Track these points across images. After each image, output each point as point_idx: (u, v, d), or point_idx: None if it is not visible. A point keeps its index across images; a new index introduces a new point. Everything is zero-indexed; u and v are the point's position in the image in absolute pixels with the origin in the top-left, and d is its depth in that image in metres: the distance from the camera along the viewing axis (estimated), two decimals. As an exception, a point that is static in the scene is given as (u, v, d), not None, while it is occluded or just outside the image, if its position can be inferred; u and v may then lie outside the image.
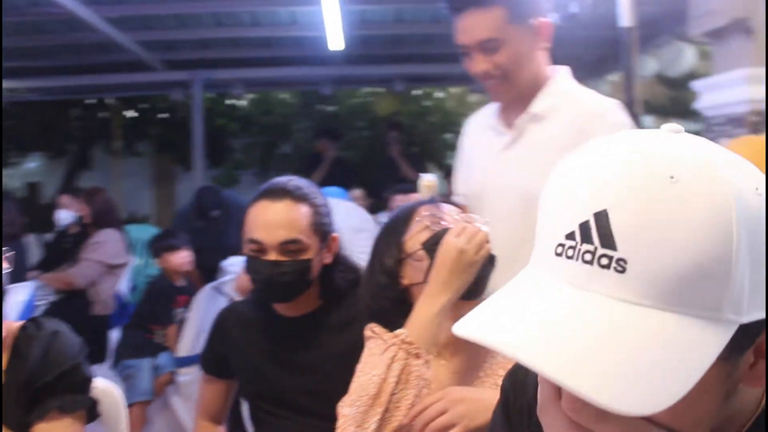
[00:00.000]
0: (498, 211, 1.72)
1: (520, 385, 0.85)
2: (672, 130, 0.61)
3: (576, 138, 1.65)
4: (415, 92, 8.68)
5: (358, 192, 5.47)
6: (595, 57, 6.23)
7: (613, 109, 1.73)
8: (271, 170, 8.64)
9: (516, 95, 1.76)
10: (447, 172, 5.31)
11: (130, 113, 8.79)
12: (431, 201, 1.46)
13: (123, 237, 4.32)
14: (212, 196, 4.99)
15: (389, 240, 1.44)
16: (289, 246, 1.60)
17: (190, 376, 3.65)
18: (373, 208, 5.57)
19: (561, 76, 1.81)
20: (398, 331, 1.29)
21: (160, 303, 3.86)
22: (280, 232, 1.60)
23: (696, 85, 3.00)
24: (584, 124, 1.69)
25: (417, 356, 1.25)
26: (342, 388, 1.68)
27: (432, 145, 8.65)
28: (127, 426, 1.71)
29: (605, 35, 5.03)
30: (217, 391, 1.87)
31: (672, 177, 0.54)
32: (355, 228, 3.36)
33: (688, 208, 0.53)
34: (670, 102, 6.77)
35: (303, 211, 1.63)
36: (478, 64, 1.71)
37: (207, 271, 4.32)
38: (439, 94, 8.98)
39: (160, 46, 6.08)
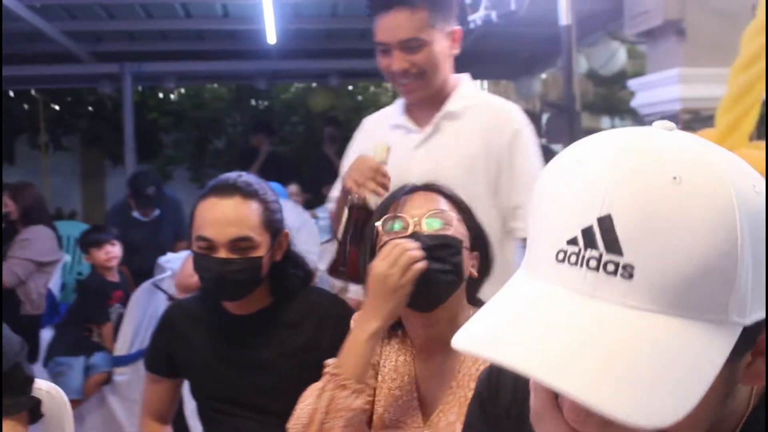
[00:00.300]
0: None
1: (495, 390, 0.84)
2: (665, 128, 0.60)
3: (488, 135, 1.86)
4: (350, 87, 8.67)
5: (294, 188, 5.43)
6: (529, 54, 6.35)
7: (516, 110, 1.92)
8: (203, 166, 8.51)
9: (428, 95, 1.86)
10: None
11: (56, 106, 8.49)
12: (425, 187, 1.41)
13: (53, 234, 4.17)
14: (146, 175, 4.92)
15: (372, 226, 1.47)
16: (240, 243, 1.58)
17: (127, 376, 3.56)
18: (310, 204, 5.55)
19: (468, 81, 1.97)
20: (329, 361, 1.33)
21: (95, 300, 3.76)
22: (230, 229, 1.57)
23: (631, 83, 3.10)
24: (494, 123, 1.87)
25: (344, 387, 1.27)
26: (293, 386, 1.67)
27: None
28: (71, 428, 1.65)
29: (539, 33, 5.14)
30: (164, 391, 1.83)
31: (675, 178, 0.53)
32: (294, 227, 3.34)
33: (693, 208, 0.53)
34: (600, 100, 6.97)
35: (253, 207, 1.61)
36: (397, 62, 1.79)
37: (141, 270, 4.22)
38: (373, 89, 8.99)
39: (89, 36, 5.90)
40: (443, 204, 1.35)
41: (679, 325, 0.52)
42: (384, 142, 1.76)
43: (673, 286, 0.52)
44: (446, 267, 1.27)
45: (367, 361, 1.31)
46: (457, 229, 1.32)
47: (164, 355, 1.79)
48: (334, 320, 1.71)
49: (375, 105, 8.99)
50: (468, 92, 1.93)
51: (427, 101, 1.89)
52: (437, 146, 1.87)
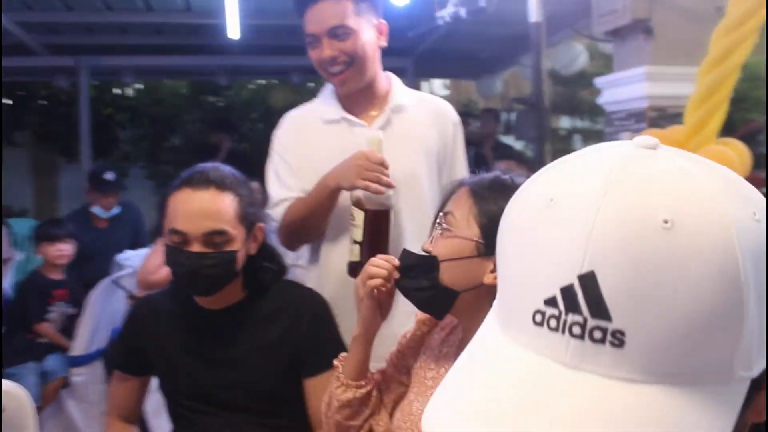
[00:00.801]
0: None
1: None
2: (646, 146, 0.52)
3: (437, 128, 1.93)
4: (309, 84, 8.61)
5: (255, 185, 5.35)
6: (490, 54, 6.38)
7: (451, 107, 2.02)
8: (159, 163, 8.36)
9: (363, 86, 1.87)
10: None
11: (8, 101, 8.25)
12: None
13: (6, 231, 4.04)
14: (105, 164, 4.79)
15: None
16: (214, 237, 1.54)
17: (84, 377, 3.46)
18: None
19: (396, 78, 2.01)
20: (342, 354, 1.43)
21: (32, 300, 3.61)
22: (204, 222, 1.53)
23: (598, 81, 3.12)
24: (438, 116, 1.94)
25: (336, 379, 1.37)
26: (267, 382, 1.64)
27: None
28: (35, 429, 1.59)
29: (502, 32, 5.17)
30: (131, 389, 1.77)
31: (666, 222, 0.46)
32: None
33: (690, 257, 0.45)
34: (561, 100, 7.04)
35: (228, 200, 1.57)
36: (327, 50, 1.82)
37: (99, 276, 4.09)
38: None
39: (43, 28, 5.73)
40: (465, 206, 1.23)
41: (679, 396, 0.45)
42: (377, 134, 1.76)
43: (672, 351, 0.45)
44: (421, 284, 1.23)
45: (359, 360, 1.34)
46: (465, 234, 1.20)
47: (133, 353, 1.73)
48: (310, 314, 1.68)
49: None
50: (404, 87, 2.00)
51: (363, 95, 1.90)
52: (393, 138, 1.86)
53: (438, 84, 9.63)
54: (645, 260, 0.45)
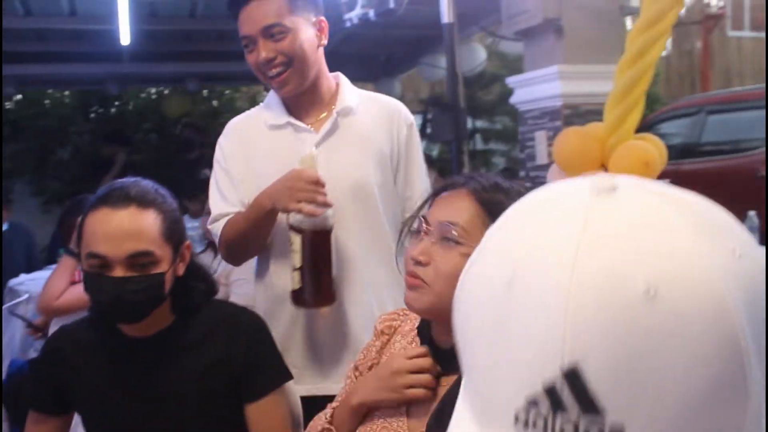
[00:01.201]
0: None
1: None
2: (605, 189, 0.46)
3: (387, 129, 1.82)
4: (204, 92, 8.37)
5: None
6: (388, 56, 6.39)
7: (404, 107, 1.90)
8: (46, 178, 7.91)
9: (306, 88, 1.77)
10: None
11: None
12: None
13: None
14: None
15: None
16: (139, 259, 1.41)
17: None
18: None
19: (344, 77, 1.90)
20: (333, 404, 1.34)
21: None
22: (126, 243, 1.40)
23: (510, 80, 3.15)
24: (390, 117, 1.83)
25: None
26: (203, 412, 1.52)
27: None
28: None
29: (402, 35, 5.17)
30: (50, 431, 1.61)
31: (648, 291, 0.40)
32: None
33: (679, 328, 0.40)
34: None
35: (151, 218, 1.44)
36: (263, 51, 1.70)
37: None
38: (229, 93, 8.73)
39: None
40: (468, 209, 1.10)
41: None
42: (311, 151, 1.65)
43: None
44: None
45: (348, 423, 1.26)
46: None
47: (51, 390, 1.57)
48: (246, 333, 1.57)
49: (231, 110, 8.75)
50: (352, 87, 1.88)
51: (307, 98, 1.79)
52: (341, 143, 1.77)
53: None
54: (631, 340, 0.40)
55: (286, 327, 1.76)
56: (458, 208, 1.11)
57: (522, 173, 3.10)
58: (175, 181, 6.03)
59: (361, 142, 1.79)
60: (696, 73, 9.82)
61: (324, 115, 1.81)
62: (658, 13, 1.91)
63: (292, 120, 1.78)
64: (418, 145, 1.89)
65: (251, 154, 1.78)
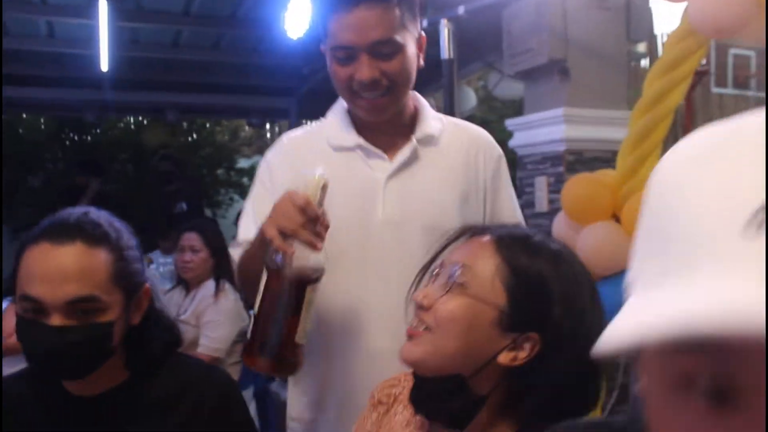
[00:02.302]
0: (390, 247, 1.46)
1: None
2: None
3: (473, 162, 1.54)
4: (184, 124, 8.20)
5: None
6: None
7: (490, 137, 1.61)
8: (17, 205, 7.63)
9: (393, 113, 1.49)
10: (237, 214, 4.95)
11: None
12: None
13: None
14: None
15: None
16: (81, 305, 1.18)
17: None
18: (144, 249, 5.06)
19: (423, 99, 1.61)
20: None
21: None
22: (67, 287, 1.17)
23: (509, 123, 2.99)
24: (476, 148, 1.55)
25: None
26: None
27: (204, 180, 8.19)
28: None
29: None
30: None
31: None
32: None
33: None
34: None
35: (101, 257, 1.22)
36: (368, 70, 1.39)
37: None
38: (210, 126, 8.57)
39: None
40: (489, 262, 0.97)
41: None
42: (318, 174, 1.30)
43: None
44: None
45: None
46: (487, 297, 0.95)
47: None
48: (215, 396, 1.35)
49: (211, 143, 8.57)
50: (434, 112, 1.59)
51: (386, 120, 1.50)
52: (420, 175, 1.49)
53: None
54: None
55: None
56: (474, 251, 0.98)
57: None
58: (148, 215, 5.88)
59: (444, 175, 1.51)
60: (679, 128, 9.88)
61: (401, 141, 1.52)
62: (681, 56, 1.74)
63: (363, 143, 1.50)
64: (508, 180, 1.62)
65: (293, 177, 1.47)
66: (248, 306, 1.66)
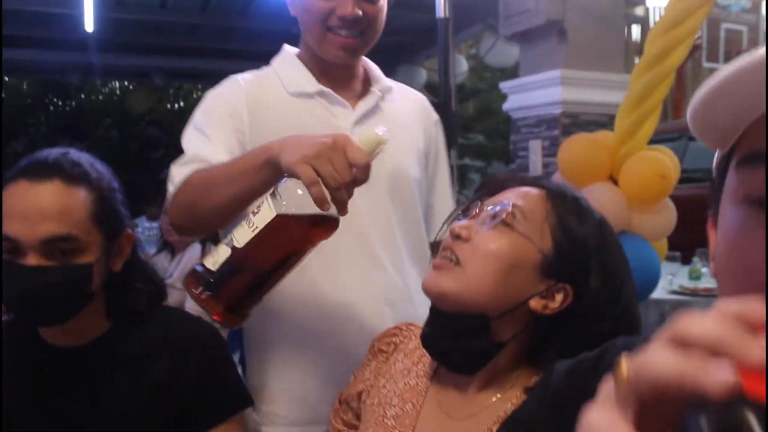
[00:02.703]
0: (357, 194, 1.36)
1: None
2: None
3: (422, 122, 1.51)
4: (170, 90, 8.09)
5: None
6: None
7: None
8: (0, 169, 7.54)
9: (356, 62, 1.45)
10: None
11: None
12: None
13: None
14: None
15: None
16: (59, 245, 1.13)
17: None
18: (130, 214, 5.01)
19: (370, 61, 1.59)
20: None
21: None
22: (44, 225, 1.12)
23: (504, 86, 2.94)
24: (422, 109, 1.53)
25: None
26: None
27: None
28: None
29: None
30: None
31: None
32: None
33: None
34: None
35: (81, 196, 1.16)
36: (350, 5, 1.35)
37: None
38: (197, 94, 8.46)
39: None
40: (540, 208, 0.94)
41: None
42: (381, 132, 1.12)
43: None
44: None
45: None
46: (534, 238, 0.92)
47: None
48: (201, 349, 1.31)
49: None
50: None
51: (345, 69, 1.45)
52: (384, 125, 1.44)
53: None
54: None
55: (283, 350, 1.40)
56: (524, 196, 0.95)
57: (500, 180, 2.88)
58: (134, 181, 5.81)
59: (402, 131, 1.46)
60: (670, 102, 9.85)
61: (359, 93, 1.48)
62: (684, 13, 1.68)
63: (326, 89, 1.43)
64: (445, 148, 1.60)
65: (263, 119, 1.40)
66: (181, 232, 1.42)
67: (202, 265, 1.03)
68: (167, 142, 6.16)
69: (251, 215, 1.05)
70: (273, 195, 1.05)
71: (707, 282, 3.06)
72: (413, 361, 1.04)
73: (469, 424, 0.93)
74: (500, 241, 0.92)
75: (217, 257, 1.03)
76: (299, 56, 1.47)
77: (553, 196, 0.95)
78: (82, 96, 7.98)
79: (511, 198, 0.95)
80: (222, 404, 1.26)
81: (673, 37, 1.91)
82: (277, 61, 1.49)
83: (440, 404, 0.97)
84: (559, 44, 2.61)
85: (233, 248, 1.03)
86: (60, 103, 7.96)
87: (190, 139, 1.35)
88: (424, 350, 1.01)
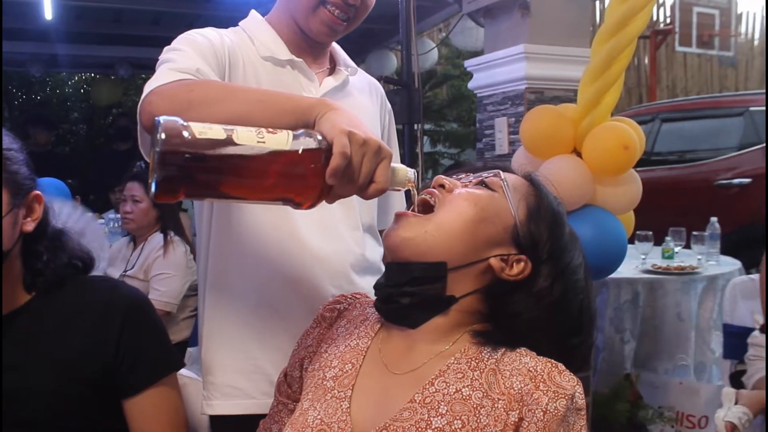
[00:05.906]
0: None
1: None
2: None
3: (379, 107, 1.55)
4: (139, 81, 7.95)
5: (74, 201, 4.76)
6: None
7: None
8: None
9: (331, 41, 1.47)
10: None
11: None
12: None
13: None
14: None
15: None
16: None
17: None
18: (98, 208, 4.92)
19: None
20: None
21: None
22: None
23: (468, 64, 2.89)
24: (377, 94, 1.57)
25: None
26: (58, 412, 1.21)
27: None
28: None
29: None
30: None
31: None
32: (76, 229, 2.76)
33: None
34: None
35: None
36: None
37: None
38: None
39: None
40: (521, 188, 1.00)
41: None
42: (411, 175, 1.04)
43: None
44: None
45: None
46: (513, 203, 0.97)
47: None
48: (122, 313, 1.26)
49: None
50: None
51: (317, 46, 1.44)
52: (347, 103, 1.38)
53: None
54: None
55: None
56: (508, 174, 1.01)
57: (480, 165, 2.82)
58: (102, 173, 5.69)
59: (365, 112, 1.46)
60: (643, 87, 9.85)
61: (325, 70, 1.47)
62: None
63: (297, 60, 1.40)
64: (395, 136, 1.62)
65: (235, 74, 1.35)
66: (147, 126, 1.14)
67: (188, 125, 0.92)
68: (136, 135, 6.05)
69: (265, 130, 0.97)
70: (296, 135, 0.97)
71: (680, 260, 3.05)
72: (355, 325, 1.03)
73: (411, 377, 0.92)
74: (480, 193, 0.95)
75: (209, 132, 0.93)
76: (270, 22, 1.43)
77: (534, 179, 1.01)
78: (48, 90, 7.84)
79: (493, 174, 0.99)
80: (147, 368, 1.23)
81: (634, 4, 1.87)
82: (247, 24, 1.44)
83: (383, 361, 0.97)
84: (523, 19, 2.56)
85: (228, 137, 0.94)
86: (24, 97, 7.81)
87: (174, 53, 1.24)
88: (367, 316, 1.03)
